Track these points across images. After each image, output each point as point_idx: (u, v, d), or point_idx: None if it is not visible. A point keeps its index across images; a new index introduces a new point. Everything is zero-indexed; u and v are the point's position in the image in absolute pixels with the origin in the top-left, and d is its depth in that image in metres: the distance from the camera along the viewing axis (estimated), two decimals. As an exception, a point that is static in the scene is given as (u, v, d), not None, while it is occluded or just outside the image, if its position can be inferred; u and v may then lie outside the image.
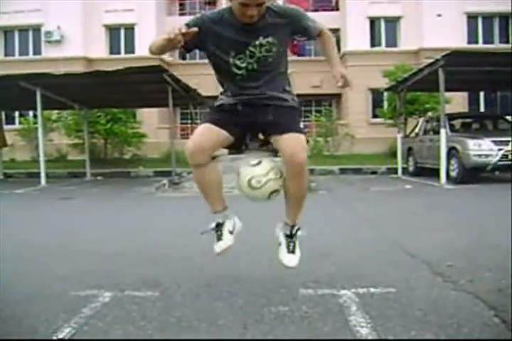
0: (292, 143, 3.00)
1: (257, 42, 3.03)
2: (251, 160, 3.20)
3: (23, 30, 24.76)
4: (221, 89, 3.33)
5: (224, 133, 3.15)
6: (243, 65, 3.08)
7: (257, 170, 3.13)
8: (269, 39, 3.03)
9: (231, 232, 3.25)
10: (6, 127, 17.92)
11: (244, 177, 3.14)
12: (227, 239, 3.23)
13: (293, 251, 3.22)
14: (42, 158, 13.42)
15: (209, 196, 3.28)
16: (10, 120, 22.26)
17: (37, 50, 24.73)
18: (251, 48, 3.04)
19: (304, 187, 3.16)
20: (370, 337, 2.57)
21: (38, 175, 13.52)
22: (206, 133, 3.14)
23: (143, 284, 3.62)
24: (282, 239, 3.26)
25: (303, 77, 21.27)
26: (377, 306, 3.05)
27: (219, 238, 3.24)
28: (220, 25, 3.04)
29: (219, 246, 3.23)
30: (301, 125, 3.29)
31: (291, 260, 3.21)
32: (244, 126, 3.23)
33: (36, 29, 24.45)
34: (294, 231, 3.26)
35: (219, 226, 3.26)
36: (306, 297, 3.27)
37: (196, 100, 17.14)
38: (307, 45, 26.78)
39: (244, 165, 3.20)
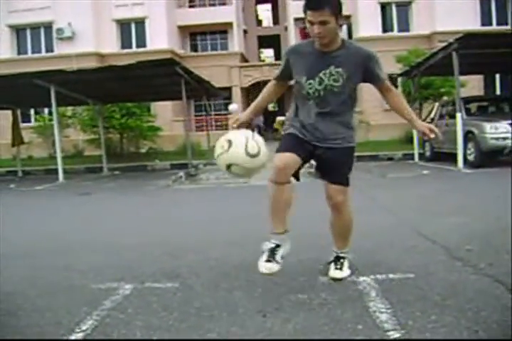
0: (334, 189, 3.30)
1: (328, 71, 3.18)
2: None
3: (35, 28, 24.91)
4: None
5: (300, 155, 3.24)
6: (311, 90, 3.23)
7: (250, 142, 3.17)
8: (339, 69, 3.16)
9: (282, 257, 3.16)
10: (22, 125, 18.08)
11: (241, 144, 3.13)
12: (277, 263, 3.11)
13: (340, 268, 3.44)
14: (59, 155, 13.51)
15: (276, 215, 3.21)
16: (26, 118, 22.45)
17: (49, 48, 24.87)
18: (321, 75, 3.19)
19: (345, 223, 3.44)
20: (389, 322, 2.58)
21: (55, 171, 13.62)
22: (289, 154, 3.20)
23: (162, 276, 3.65)
24: (331, 258, 3.52)
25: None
26: (396, 292, 3.05)
27: (269, 259, 3.11)
28: (303, 53, 3.26)
29: (268, 268, 3.09)
30: (351, 166, 3.41)
31: (337, 274, 3.42)
32: (309, 153, 3.32)
33: (47, 26, 24.58)
34: (340, 255, 3.50)
35: (276, 248, 3.16)
36: (325, 284, 3.28)
37: (209, 91, 17.16)
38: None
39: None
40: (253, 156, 3.11)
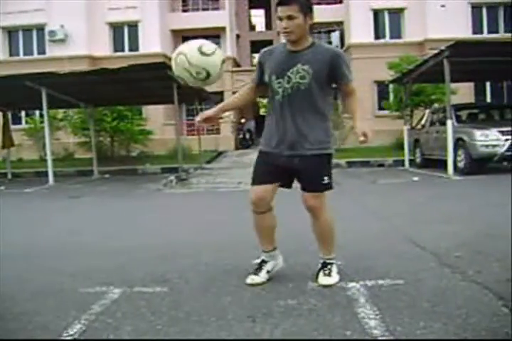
0: (309, 197, 3.36)
1: (295, 69, 3.24)
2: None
3: (27, 29, 24.78)
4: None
5: (275, 180, 3.41)
6: (280, 89, 3.29)
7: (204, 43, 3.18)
8: (305, 67, 3.22)
9: (268, 271, 3.50)
10: (12, 127, 17.95)
11: (194, 46, 3.13)
12: (262, 277, 3.47)
13: (329, 274, 3.44)
14: (49, 157, 13.45)
15: (262, 237, 3.52)
16: (16, 120, 22.34)
17: (41, 50, 24.75)
18: (289, 73, 3.25)
19: (322, 228, 3.48)
20: (378, 328, 2.58)
21: (45, 173, 13.56)
22: (263, 186, 3.38)
23: (152, 280, 3.64)
24: (319, 265, 3.52)
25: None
26: (385, 298, 3.05)
27: (255, 273, 3.48)
28: (274, 54, 3.37)
29: (252, 279, 3.45)
30: (329, 174, 3.43)
31: (326, 280, 3.40)
32: (283, 170, 3.37)
33: (40, 28, 24.47)
34: (327, 261, 3.50)
35: (262, 263, 3.52)
36: (315, 290, 3.28)
37: (201, 96, 17.16)
38: (311, 38, 26.72)
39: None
40: (207, 55, 3.10)
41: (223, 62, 3.21)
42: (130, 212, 7.92)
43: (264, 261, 3.51)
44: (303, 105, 3.27)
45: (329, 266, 3.46)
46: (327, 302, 3.02)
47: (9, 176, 16.37)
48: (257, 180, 3.40)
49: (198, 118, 3.47)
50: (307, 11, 3.18)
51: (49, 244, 5.25)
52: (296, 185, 3.45)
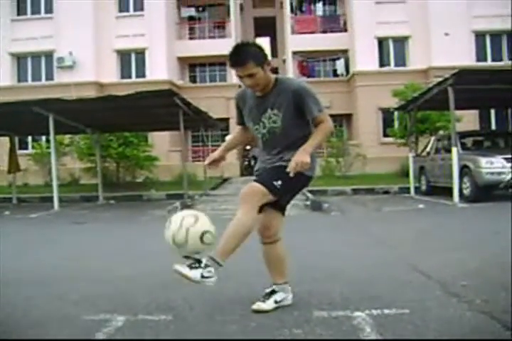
0: (249, 185, 3.27)
1: (267, 114, 3.31)
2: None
3: (36, 56, 25.11)
4: None
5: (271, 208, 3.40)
6: (259, 135, 3.40)
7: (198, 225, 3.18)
8: (275, 111, 3.28)
9: (276, 302, 3.44)
10: (19, 152, 18.10)
11: (196, 233, 3.13)
12: (269, 305, 3.41)
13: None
14: (55, 183, 13.50)
15: (270, 269, 3.53)
16: (23, 145, 22.49)
17: (49, 76, 25.03)
18: (263, 119, 3.34)
19: (237, 222, 3.19)
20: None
21: (51, 199, 13.59)
22: (262, 215, 3.38)
23: (156, 308, 3.62)
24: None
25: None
26: (391, 327, 3.02)
27: (263, 300, 3.43)
28: (246, 99, 3.43)
29: (258, 305, 3.40)
30: (286, 184, 3.27)
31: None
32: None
33: (48, 55, 24.79)
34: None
35: (272, 292, 3.47)
36: (320, 319, 3.25)
37: (207, 122, 17.26)
38: (316, 66, 26.97)
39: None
40: (177, 245, 3.22)
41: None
42: (134, 239, 7.90)
43: (274, 291, 3.47)
44: (283, 145, 3.35)
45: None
46: (332, 332, 2.99)
47: (14, 201, 16.41)
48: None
49: (206, 162, 3.57)
50: (262, 60, 3.19)
51: (52, 270, 5.23)
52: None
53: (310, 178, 3.43)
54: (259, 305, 3.39)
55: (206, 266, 3.06)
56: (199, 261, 3.07)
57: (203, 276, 3.03)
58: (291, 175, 3.12)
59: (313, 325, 3.13)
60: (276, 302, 3.43)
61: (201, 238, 3.09)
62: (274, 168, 3.33)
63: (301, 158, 3.09)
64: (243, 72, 3.15)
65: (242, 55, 3.13)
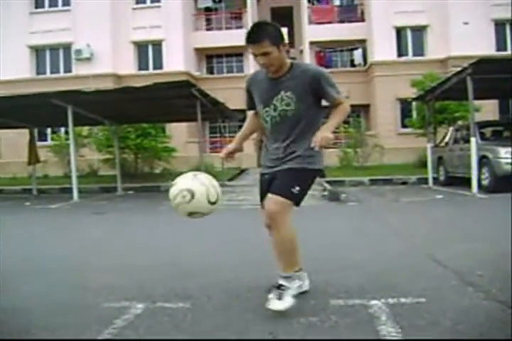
0: (271, 199, 3.24)
1: (279, 96, 3.30)
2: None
3: (54, 48, 25.29)
4: None
5: None
6: (268, 118, 3.38)
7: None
8: (288, 93, 3.27)
9: (293, 295, 3.23)
10: (38, 144, 18.29)
11: (202, 195, 3.15)
12: (287, 301, 3.17)
13: (280, 298, 3.18)
14: (74, 174, 13.62)
15: (281, 258, 3.33)
16: (43, 137, 22.70)
17: (67, 68, 25.21)
18: (274, 101, 3.33)
19: (280, 242, 3.26)
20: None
21: (70, 190, 13.73)
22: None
23: (174, 296, 3.67)
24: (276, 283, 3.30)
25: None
26: (407, 316, 3.04)
27: (279, 297, 3.18)
28: (258, 82, 3.43)
29: (275, 306, 3.15)
30: (303, 186, 3.30)
31: (275, 304, 3.15)
32: None
33: (66, 47, 24.95)
34: (281, 282, 3.27)
35: (282, 287, 3.24)
36: (336, 307, 3.27)
37: (224, 113, 17.29)
38: (333, 56, 26.83)
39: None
40: (213, 203, 3.19)
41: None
42: (152, 229, 7.97)
43: (281, 285, 3.23)
44: (293, 130, 3.33)
45: (283, 288, 3.23)
46: (348, 320, 3.02)
47: (35, 192, 16.60)
48: (260, 200, 3.46)
49: (222, 155, 3.56)
50: (279, 40, 3.19)
51: (73, 260, 5.30)
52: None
53: (320, 171, 3.46)
54: (273, 304, 3.14)
55: (286, 287, 3.23)
56: (280, 287, 3.23)
57: (293, 295, 3.23)
58: (316, 149, 3.13)
59: (330, 312, 3.16)
60: (293, 295, 3.23)
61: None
62: (286, 173, 3.30)
63: (324, 133, 3.11)
64: (258, 50, 3.15)
65: (259, 33, 3.14)
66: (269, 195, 3.27)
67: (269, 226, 3.31)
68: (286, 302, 3.15)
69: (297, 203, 3.29)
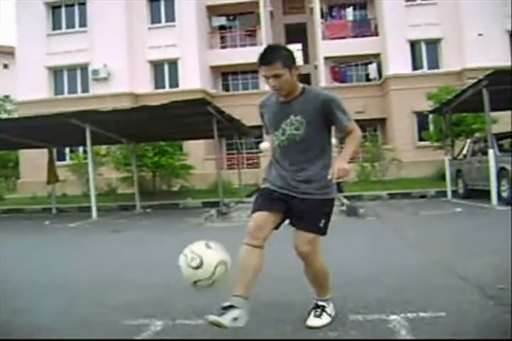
0: (301, 237, 3.25)
1: (289, 120, 3.27)
2: (191, 259, 3.21)
3: (71, 69, 25.66)
4: None
5: (275, 209, 3.28)
6: (277, 142, 3.35)
7: (199, 273, 3.19)
8: (298, 117, 3.24)
9: (235, 319, 2.97)
10: (57, 163, 18.49)
11: (187, 279, 3.21)
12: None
13: (319, 316, 3.34)
14: (92, 192, 13.73)
15: (240, 277, 3.28)
16: (61, 156, 22.96)
17: (85, 88, 25.53)
18: (283, 126, 3.30)
19: (316, 274, 3.39)
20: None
21: (89, 208, 13.83)
22: (261, 213, 3.27)
23: (193, 313, 3.68)
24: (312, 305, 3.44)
25: (346, 103, 20.98)
26: (427, 330, 3.02)
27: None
28: (269, 105, 3.42)
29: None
30: (327, 218, 3.34)
31: (314, 321, 3.30)
32: (284, 203, 3.32)
33: (84, 68, 25.31)
34: (319, 303, 3.43)
35: (227, 308, 3.04)
36: (355, 322, 3.27)
37: (240, 130, 17.36)
38: (348, 71, 26.89)
39: (185, 266, 3.22)
40: (196, 268, 3.18)
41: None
42: (171, 246, 7.97)
43: (230, 306, 3.03)
44: (301, 156, 3.28)
45: (321, 308, 3.38)
46: (368, 335, 3.00)
47: (54, 211, 16.73)
48: (257, 208, 3.31)
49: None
50: (291, 64, 3.18)
51: (93, 278, 5.34)
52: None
53: (334, 200, 3.45)
54: (215, 320, 2.96)
55: (324, 306, 3.39)
56: (318, 307, 3.39)
57: (330, 315, 3.38)
58: (334, 181, 3.11)
59: (349, 328, 3.15)
60: (235, 319, 2.98)
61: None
62: (310, 206, 3.25)
63: (341, 165, 3.06)
64: (270, 72, 3.14)
65: (272, 54, 3.15)
66: (299, 232, 3.27)
67: (252, 235, 3.23)
68: (324, 320, 3.30)
69: (324, 234, 3.32)
